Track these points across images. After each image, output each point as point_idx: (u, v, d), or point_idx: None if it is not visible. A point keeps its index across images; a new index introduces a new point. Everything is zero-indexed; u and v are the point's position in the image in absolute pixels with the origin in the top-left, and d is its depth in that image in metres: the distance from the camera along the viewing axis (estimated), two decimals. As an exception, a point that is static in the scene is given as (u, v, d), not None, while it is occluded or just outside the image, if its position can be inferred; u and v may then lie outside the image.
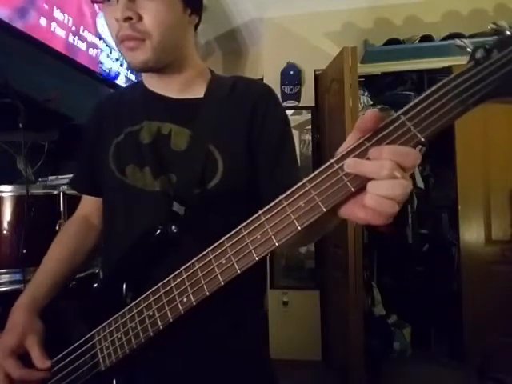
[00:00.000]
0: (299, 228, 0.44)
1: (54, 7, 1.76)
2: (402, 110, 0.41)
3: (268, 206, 0.47)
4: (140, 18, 0.63)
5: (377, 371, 2.42)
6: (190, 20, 0.72)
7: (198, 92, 0.74)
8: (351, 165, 0.41)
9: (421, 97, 0.41)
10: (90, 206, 0.85)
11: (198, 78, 0.76)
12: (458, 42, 0.42)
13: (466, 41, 0.42)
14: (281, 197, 0.46)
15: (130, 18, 0.62)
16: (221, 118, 0.70)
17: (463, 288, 2.60)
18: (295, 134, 2.81)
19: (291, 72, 2.82)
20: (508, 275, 2.49)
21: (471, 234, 2.62)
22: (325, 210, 0.43)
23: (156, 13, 0.64)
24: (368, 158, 0.41)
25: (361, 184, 0.42)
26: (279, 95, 2.80)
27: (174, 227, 0.62)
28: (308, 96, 2.86)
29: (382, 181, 0.39)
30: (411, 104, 0.41)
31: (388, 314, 2.83)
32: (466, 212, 2.64)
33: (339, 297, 2.42)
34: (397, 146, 0.40)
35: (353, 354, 2.21)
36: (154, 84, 0.75)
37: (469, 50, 0.40)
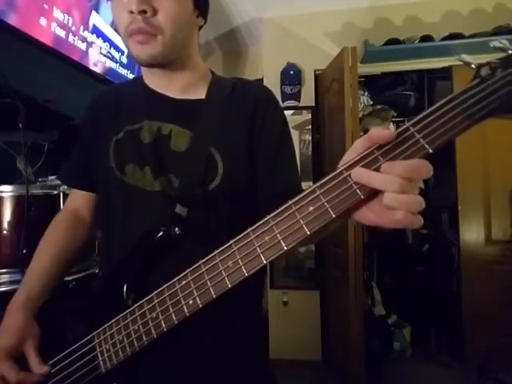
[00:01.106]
0: (308, 233, 0.45)
1: (54, 7, 1.76)
2: (411, 122, 0.42)
3: (277, 211, 0.47)
4: (155, 13, 0.63)
5: (377, 371, 2.42)
6: (197, 21, 0.73)
7: (199, 93, 0.74)
8: (358, 174, 0.43)
9: (429, 110, 0.42)
10: (79, 200, 0.83)
11: (200, 79, 0.76)
12: (464, 58, 0.43)
13: (469, 57, 0.43)
14: (290, 202, 0.47)
15: (144, 12, 0.62)
16: (222, 120, 0.70)
17: (463, 288, 2.60)
18: (295, 133, 2.81)
19: (291, 72, 2.82)
20: (508, 275, 2.49)
21: (471, 233, 2.62)
22: (334, 216, 0.44)
23: (170, 9, 0.64)
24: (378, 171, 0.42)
25: (371, 191, 0.43)
26: (279, 95, 2.80)
27: (176, 229, 0.62)
28: (308, 96, 2.86)
29: (391, 193, 0.40)
30: (420, 116, 0.42)
31: (388, 313, 2.82)
32: (466, 212, 2.64)
33: (339, 297, 2.42)
34: (409, 162, 0.41)
35: (353, 354, 2.21)
36: (155, 82, 0.75)
37: (473, 66, 0.42)
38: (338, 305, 2.48)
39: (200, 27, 0.76)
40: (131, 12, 0.62)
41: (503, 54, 0.40)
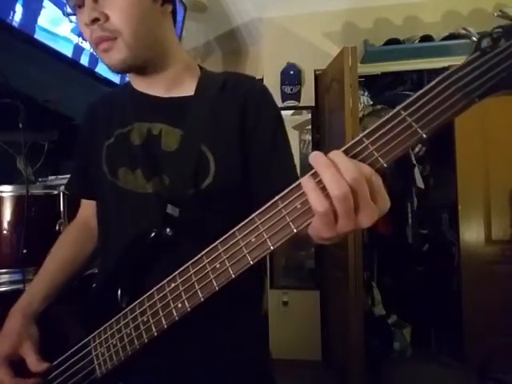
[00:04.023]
0: (295, 230, 0.43)
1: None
2: (403, 105, 0.39)
3: (262, 208, 0.45)
4: (107, 18, 0.62)
5: (377, 371, 2.42)
6: (163, 10, 0.69)
7: (188, 89, 0.72)
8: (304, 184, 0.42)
9: (422, 90, 0.39)
10: (89, 209, 0.83)
11: (186, 73, 0.74)
12: (462, 31, 0.40)
13: (471, 29, 0.39)
14: (276, 197, 0.44)
15: (97, 20, 0.61)
16: (212, 117, 0.69)
17: (463, 288, 2.60)
18: (295, 133, 2.81)
19: (291, 72, 2.82)
20: (508, 275, 2.48)
21: (471, 233, 2.62)
22: None
23: (121, 8, 0.62)
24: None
25: None
26: (279, 95, 2.80)
27: (168, 230, 0.61)
28: (308, 96, 2.86)
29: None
30: (412, 98, 0.39)
31: (388, 314, 2.82)
32: (466, 212, 2.64)
33: (339, 297, 2.42)
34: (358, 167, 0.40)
35: (353, 354, 2.21)
36: (141, 84, 0.73)
37: (474, 38, 0.38)
38: (337, 305, 2.48)
39: (174, 16, 0.73)
40: (87, 24, 0.62)
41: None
